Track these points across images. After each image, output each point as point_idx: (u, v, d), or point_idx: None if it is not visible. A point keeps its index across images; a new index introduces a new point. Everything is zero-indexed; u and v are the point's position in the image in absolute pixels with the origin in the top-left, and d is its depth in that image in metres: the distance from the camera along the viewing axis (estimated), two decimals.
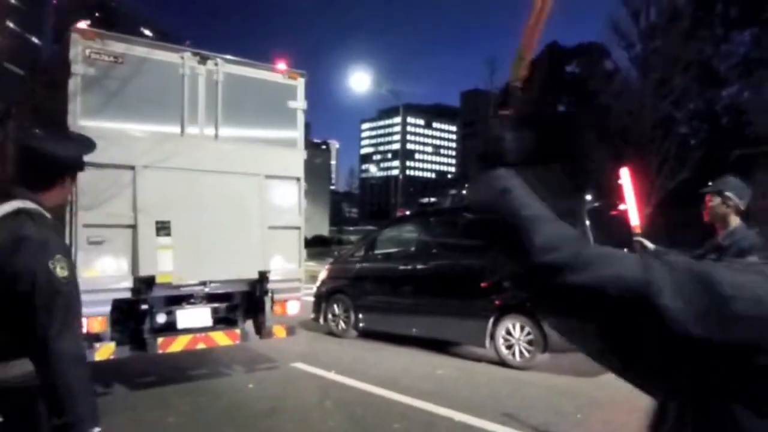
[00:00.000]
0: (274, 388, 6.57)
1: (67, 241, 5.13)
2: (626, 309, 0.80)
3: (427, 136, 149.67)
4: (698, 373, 0.78)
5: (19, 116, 7.27)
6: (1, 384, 1.90)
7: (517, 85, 1.16)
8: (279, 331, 6.67)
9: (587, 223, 7.17)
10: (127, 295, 5.59)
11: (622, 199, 4.47)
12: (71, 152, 2.16)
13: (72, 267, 1.98)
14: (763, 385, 0.74)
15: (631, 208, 4.19)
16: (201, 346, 6.19)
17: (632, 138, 22.51)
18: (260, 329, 6.65)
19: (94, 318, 5.29)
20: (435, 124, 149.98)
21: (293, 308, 6.75)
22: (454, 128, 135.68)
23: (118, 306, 5.58)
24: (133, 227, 5.52)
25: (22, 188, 2.01)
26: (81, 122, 5.28)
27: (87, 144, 2.26)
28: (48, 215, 2.03)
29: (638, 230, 4.09)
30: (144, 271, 5.56)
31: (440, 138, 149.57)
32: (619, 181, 4.25)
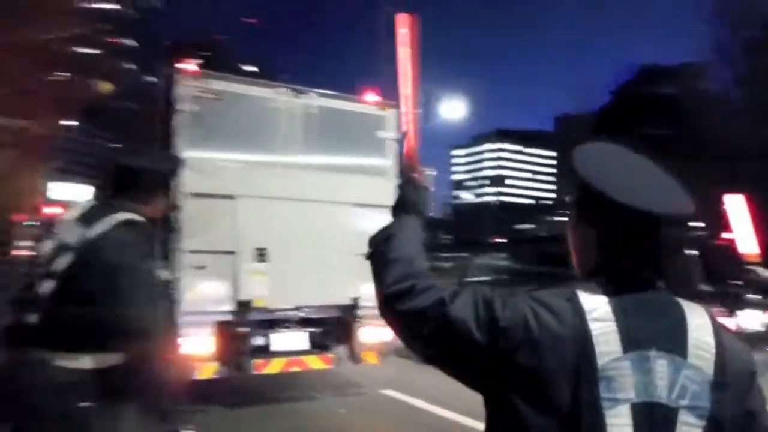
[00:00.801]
0: (364, 414, 6.60)
1: (173, 266, 5.50)
2: (436, 323, 1.13)
3: (523, 161, 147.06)
4: (487, 371, 1.09)
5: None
6: (97, 371, 2.14)
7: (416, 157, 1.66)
8: (370, 357, 6.72)
9: (694, 252, 6.73)
10: (228, 317, 5.87)
11: (728, 228, 4.20)
12: (165, 167, 2.46)
13: (166, 270, 2.28)
14: (524, 376, 1.05)
15: (744, 236, 3.93)
16: (295, 369, 6.34)
17: (740, 162, 20.92)
18: (352, 354, 6.72)
19: (197, 338, 5.59)
20: (530, 150, 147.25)
21: (385, 334, 6.79)
22: (550, 153, 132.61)
23: (220, 328, 5.86)
24: (233, 253, 5.82)
25: (126, 201, 2.31)
26: (185, 153, 5.65)
27: (177, 160, 2.52)
28: (150, 226, 2.33)
29: (753, 258, 3.84)
30: (242, 296, 5.83)
31: (536, 163, 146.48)
32: (724, 208, 4.01)
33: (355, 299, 6.43)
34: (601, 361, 1.02)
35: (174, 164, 2.52)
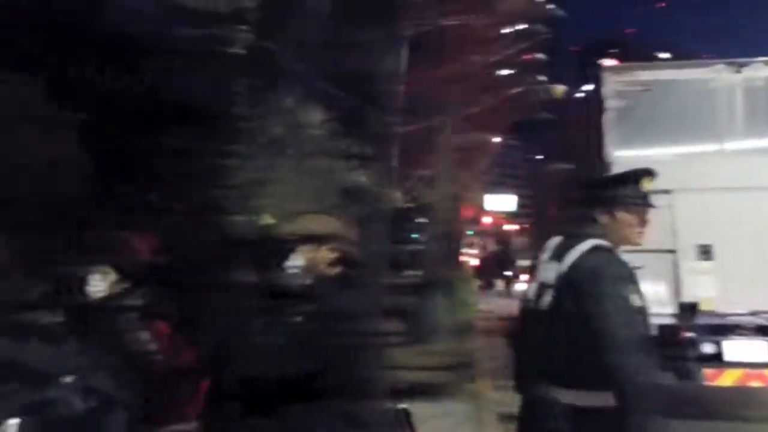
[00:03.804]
0: None
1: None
2: None
3: None
4: None
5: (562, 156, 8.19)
6: (581, 408, 2.21)
7: None
8: None
9: None
10: (669, 320, 5.56)
11: None
12: (626, 191, 2.37)
13: (642, 295, 2.23)
14: None
15: None
16: (756, 384, 5.60)
17: None
18: None
19: None
20: None
21: None
22: None
23: (662, 331, 5.59)
24: (673, 252, 5.55)
25: (591, 230, 2.38)
26: (615, 153, 5.71)
27: (638, 175, 2.38)
28: (617, 250, 2.35)
29: None
30: (685, 297, 5.52)
31: None
32: None
33: None
34: None
35: (636, 182, 2.40)
